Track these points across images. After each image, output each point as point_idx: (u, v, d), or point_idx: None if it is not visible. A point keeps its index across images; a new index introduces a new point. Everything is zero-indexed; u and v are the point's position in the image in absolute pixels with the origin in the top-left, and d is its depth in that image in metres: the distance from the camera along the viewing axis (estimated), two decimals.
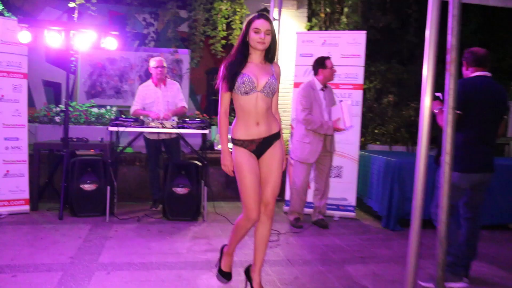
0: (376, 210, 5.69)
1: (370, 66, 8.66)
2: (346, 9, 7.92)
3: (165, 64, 5.66)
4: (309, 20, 8.44)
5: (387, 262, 4.13)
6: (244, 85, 3.01)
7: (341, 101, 5.26)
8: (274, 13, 6.79)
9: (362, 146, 8.12)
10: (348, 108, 5.03)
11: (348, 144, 5.74)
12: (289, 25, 8.24)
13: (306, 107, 5.07)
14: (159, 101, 5.62)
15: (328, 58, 5.20)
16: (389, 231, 5.27)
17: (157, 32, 8.86)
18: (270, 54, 3.10)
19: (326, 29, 8.19)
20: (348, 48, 5.80)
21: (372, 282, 3.63)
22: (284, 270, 3.83)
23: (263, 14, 3.09)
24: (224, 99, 3.13)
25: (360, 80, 5.78)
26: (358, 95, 5.78)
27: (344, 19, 7.87)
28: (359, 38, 5.79)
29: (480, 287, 3.63)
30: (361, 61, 5.77)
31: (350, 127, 5.19)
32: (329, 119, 5.15)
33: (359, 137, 5.85)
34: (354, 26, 7.73)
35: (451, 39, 2.73)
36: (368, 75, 8.60)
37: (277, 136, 3.19)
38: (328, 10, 8.25)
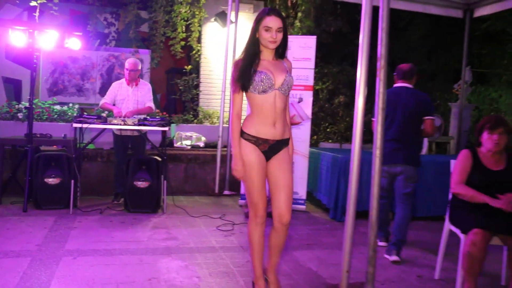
0: (325, 203, 6.14)
1: (323, 68, 9.15)
2: (299, 14, 8.38)
3: (139, 67, 5.99)
4: None
5: (331, 249, 4.56)
6: (262, 83, 2.89)
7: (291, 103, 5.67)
8: (232, 16, 7.17)
9: (315, 144, 8.60)
10: (298, 105, 5.45)
11: (299, 142, 6.16)
12: (246, 28, 8.62)
13: None
14: (129, 99, 5.92)
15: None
16: (336, 222, 5.71)
17: (118, 31, 9.08)
18: (280, 49, 3.00)
19: None
20: (300, 52, 6.22)
21: (316, 265, 4.05)
22: (237, 255, 4.21)
23: (274, 9, 2.96)
24: (236, 100, 3.01)
25: (311, 82, 6.22)
26: (309, 96, 6.21)
27: (298, 23, 8.33)
28: (309, 42, 6.23)
29: (411, 267, 4.11)
30: (312, 64, 6.20)
31: (308, 119, 5.55)
32: (305, 117, 5.52)
33: (309, 135, 6.29)
34: (307, 30, 8.20)
35: (381, 49, 3.18)
36: (321, 76, 9.10)
37: (287, 142, 3.09)
38: (283, 14, 8.66)
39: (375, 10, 3.15)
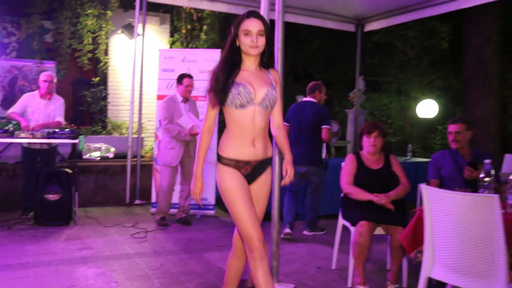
0: None
1: None
2: (205, 27, 8.72)
3: (55, 80, 6.05)
4: (172, 35, 9.10)
5: None
6: (240, 97, 2.56)
7: (188, 113, 5.89)
8: (139, 29, 7.35)
9: None
10: (192, 116, 5.73)
11: (208, 150, 6.46)
12: (153, 40, 8.82)
13: (166, 117, 5.73)
14: (40, 112, 5.90)
15: (186, 76, 5.85)
16: None
17: (19, 41, 8.87)
18: (265, 58, 2.68)
19: (188, 45, 8.90)
20: (205, 64, 6.56)
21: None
22: (152, 260, 4.44)
23: (254, 11, 2.65)
24: (210, 114, 2.70)
25: None
26: None
27: (203, 36, 8.66)
28: (214, 55, 6.58)
29: (311, 260, 4.56)
30: None
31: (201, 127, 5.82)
32: (201, 127, 5.80)
33: (215, 143, 6.62)
34: (212, 43, 8.56)
35: (277, 67, 3.57)
36: None
37: (270, 161, 2.78)
38: (189, 27, 8.96)
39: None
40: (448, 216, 2.58)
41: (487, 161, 3.16)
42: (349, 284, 3.83)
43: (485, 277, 2.49)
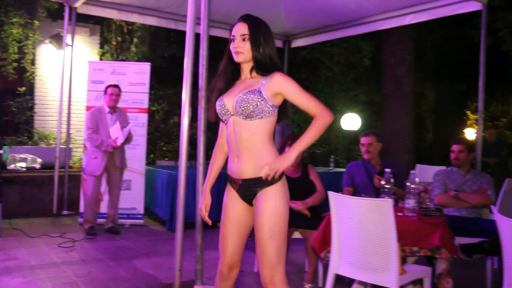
0: (162, 216, 6.65)
1: (158, 90, 9.70)
2: (135, 40, 8.85)
3: None
4: (102, 47, 9.14)
5: (167, 255, 5.08)
6: (220, 112, 2.45)
7: (117, 124, 5.97)
8: (68, 39, 7.36)
9: (152, 162, 9.07)
10: (115, 127, 5.82)
11: (135, 160, 6.61)
12: (82, 51, 8.83)
13: (90, 127, 5.83)
14: None
15: (111, 86, 5.95)
16: (172, 232, 6.21)
17: None
18: (256, 65, 2.41)
19: (118, 56, 8.98)
20: (135, 77, 6.70)
21: (153, 270, 4.55)
22: (79, 268, 4.52)
23: (246, 14, 2.46)
24: (220, 128, 2.61)
25: (145, 105, 6.72)
26: (144, 117, 6.70)
27: (133, 48, 8.78)
28: (144, 68, 6.74)
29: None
30: (146, 88, 6.71)
31: (122, 140, 5.84)
32: (123, 141, 5.84)
33: (145, 154, 6.77)
34: (142, 56, 8.70)
35: (201, 82, 3.84)
36: (156, 98, 9.63)
37: (266, 182, 2.35)
38: (119, 39, 9.05)
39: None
40: (351, 218, 2.92)
41: (387, 170, 3.55)
42: None
43: (382, 271, 2.84)
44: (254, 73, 2.44)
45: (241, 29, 2.39)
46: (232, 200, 2.51)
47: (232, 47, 2.41)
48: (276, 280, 2.35)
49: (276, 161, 2.29)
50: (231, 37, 2.42)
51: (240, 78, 2.49)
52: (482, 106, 6.04)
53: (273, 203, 2.35)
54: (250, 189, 2.41)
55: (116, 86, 6.00)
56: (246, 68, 2.45)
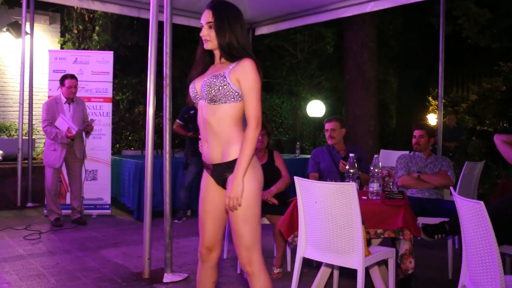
0: (129, 206, 6.62)
1: (122, 79, 9.57)
2: (97, 28, 8.69)
3: None
4: (63, 35, 8.95)
5: (135, 244, 5.08)
6: (193, 95, 2.50)
7: (62, 115, 5.86)
8: (26, 28, 7.19)
9: (118, 152, 8.98)
10: (66, 118, 5.72)
11: (101, 150, 6.54)
12: (42, 40, 8.62)
13: (46, 119, 5.72)
14: None
15: (69, 77, 5.80)
16: (140, 222, 6.16)
17: None
18: (223, 50, 2.40)
19: (79, 45, 8.82)
20: (98, 66, 6.60)
21: (122, 259, 4.54)
22: (47, 259, 4.48)
23: (211, 2, 2.46)
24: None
25: (110, 94, 6.64)
26: (108, 107, 6.63)
27: (95, 37, 8.63)
28: (107, 57, 6.65)
29: None
30: (110, 77, 6.63)
31: (78, 129, 5.78)
32: (76, 128, 5.75)
33: (110, 143, 6.70)
34: (105, 44, 8.56)
35: (166, 70, 3.83)
36: (121, 87, 9.50)
37: (231, 166, 2.36)
38: (80, 27, 8.88)
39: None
40: (316, 203, 2.99)
41: (351, 155, 3.63)
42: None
43: (347, 253, 2.92)
44: (223, 59, 2.44)
45: (207, 16, 2.39)
46: (207, 183, 2.52)
47: (200, 34, 2.43)
48: (253, 260, 2.43)
49: (230, 192, 2.31)
50: (201, 24, 2.44)
51: (214, 63, 2.51)
52: (441, 92, 6.22)
53: (248, 187, 2.34)
54: (221, 174, 2.42)
55: (74, 77, 5.88)
56: (217, 54, 2.47)
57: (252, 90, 2.34)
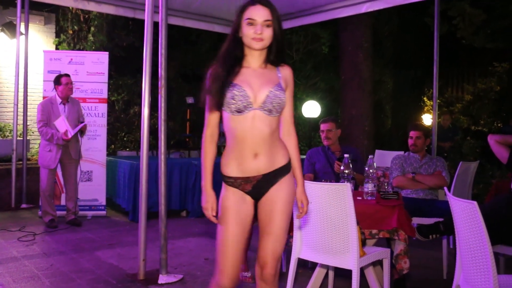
0: (124, 207, 6.61)
1: (118, 80, 9.56)
2: (92, 29, 8.68)
3: None
4: (58, 36, 8.92)
5: (130, 246, 5.06)
6: (234, 101, 2.20)
7: (62, 117, 5.84)
8: (21, 28, 7.17)
9: (113, 153, 8.96)
10: (64, 121, 5.70)
11: (96, 151, 6.53)
12: (37, 40, 8.59)
13: (41, 120, 5.70)
14: None
15: (64, 75, 5.82)
16: (135, 223, 6.18)
17: None
18: (273, 54, 2.28)
19: (74, 46, 8.80)
20: (93, 67, 6.59)
21: (117, 260, 4.53)
22: (41, 261, 4.46)
23: None
24: (210, 119, 2.34)
25: (105, 94, 6.63)
26: (104, 108, 6.62)
27: (91, 37, 8.61)
28: (102, 58, 6.64)
29: (200, 252, 4.85)
30: (105, 78, 6.62)
31: (73, 132, 5.73)
32: (72, 132, 5.74)
33: (105, 144, 6.69)
34: (100, 45, 8.55)
35: (161, 71, 3.82)
36: (116, 88, 9.49)
37: (284, 170, 2.32)
38: (75, 27, 8.85)
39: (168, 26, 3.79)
40: (312, 203, 2.98)
41: (346, 155, 3.63)
42: None
43: (342, 254, 2.93)
44: (267, 64, 2.30)
45: (265, 13, 2.20)
46: (238, 202, 2.30)
47: (254, 33, 2.19)
48: (278, 270, 2.39)
49: (304, 196, 2.39)
50: (247, 20, 2.20)
51: (244, 65, 2.29)
52: (436, 92, 6.24)
53: (291, 190, 2.35)
54: (268, 182, 2.30)
55: (68, 75, 5.88)
56: (256, 56, 2.28)
57: (292, 97, 2.38)
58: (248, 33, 2.20)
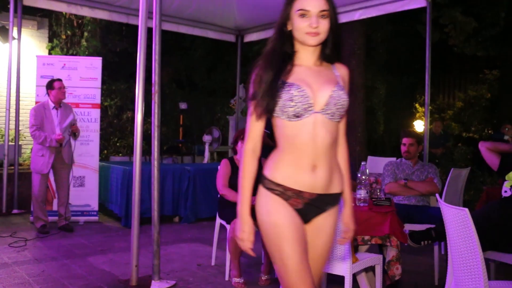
0: (117, 213, 6.59)
1: (111, 85, 9.56)
2: (86, 34, 8.68)
3: None
4: (51, 40, 8.91)
5: (123, 251, 5.04)
6: (292, 103, 1.86)
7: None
8: (14, 33, 7.14)
9: (105, 158, 8.94)
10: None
11: (89, 156, 6.51)
12: (30, 45, 8.58)
13: (34, 124, 5.68)
14: None
15: (56, 80, 5.82)
16: (128, 228, 6.14)
17: None
18: (328, 49, 1.96)
19: (68, 51, 8.79)
20: (86, 72, 6.58)
21: (109, 266, 4.52)
22: (32, 267, 4.44)
23: None
24: (254, 129, 1.98)
25: (98, 100, 6.62)
26: (97, 113, 6.61)
27: (84, 42, 8.61)
28: (95, 63, 6.63)
29: (193, 258, 4.85)
30: (98, 83, 6.61)
31: (63, 127, 5.74)
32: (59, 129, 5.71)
33: (98, 150, 6.68)
34: (93, 50, 8.54)
35: (154, 77, 3.83)
36: (109, 93, 9.48)
37: (336, 200, 2.00)
38: (69, 32, 8.85)
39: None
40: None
41: None
42: (227, 277, 4.16)
43: (334, 260, 2.94)
44: (318, 59, 1.98)
45: (319, 3, 1.87)
46: (293, 216, 1.91)
47: (309, 26, 1.87)
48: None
49: (351, 220, 2.12)
50: (298, 11, 1.89)
51: (295, 63, 1.96)
52: (428, 99, 6.28)
53: (336, 222, 2.04)
54: (319, 207, 1.96)
55: (60, 79, 5.88)
56: (310, 52, 1.96)
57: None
58: (301, 26, 1.88)
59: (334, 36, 1.93)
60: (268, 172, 1.95)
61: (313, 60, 1.97)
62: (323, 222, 1.97)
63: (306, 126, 1.87)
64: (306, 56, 1.96)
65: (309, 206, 1.93)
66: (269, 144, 6.38)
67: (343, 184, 2.02)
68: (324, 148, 1.90)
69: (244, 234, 1.96)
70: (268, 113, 1.92)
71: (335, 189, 1.96)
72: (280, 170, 1.92)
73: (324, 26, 1.88)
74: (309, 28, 1.86)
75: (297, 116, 1.87)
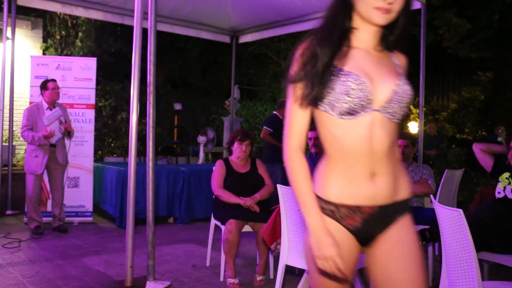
0: (111, 213, 6.57)
1: (105, 85, 9.54)
2: (80, 34, 8.66)
3: None
4: (45, 41, 8.88)
5: (117, 252, 5.03)
6: (347, 97, 1.51)
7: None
8: (8, 33, 7.12)
9: (100, 159, 8.92)
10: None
11: (83, 157, 6.49)
12: (24, 45, 8.55)
13: (25, 125, 5.67)
14: None
15: (51, 80, 5.80)
16: (122, 229, 6.16)
17: None
18: (393, 34, 1.61)
19: (62, 51, 8.76)
20: (81, 72, 6.57)
21: (104, 267, 4.51)
22: (26, 268, 4.42)
23: None
24: (298, 122, 1.60)
25: (92, 100, 6.61)
26: (91, 113, 6.59)
27: (78, 43, 8.59)
28: (90, 63, 6.62)
29: (188, 259, 4.84)
30: (93, 84, 6.60)
31: (49, 115, 5.70)
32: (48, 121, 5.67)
33: (92, 150, 6.66)
34: (88, 50, 8.53)
35: (149, 78, 3.83)
36: (103, 94, 9.47)
37: (405, 207, 1.66)
38: (63, 33, 8.83)
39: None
40: (299, 211, 3.01)
41: None
42: (221, 278, 4.16)
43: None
44: (378, 44, 1.63)
45: None
46: (344, 242, 1.59)
47: (382, 0, 1.49)
48: None
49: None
50: None
51: (351, 44, 1.59)
52: (422, 101, 6.32)
53: (415, 231, 1.67)
54: (385, 220, 1.61)
55: (55, 80, 5.86)
56: (372, 33, 1.60)
57: None
58: (376, 2, 1.49)
59: (404, 19, 1.57)
60: (319, 190, 1.61)
61: (373, 44, 1.62)
62: (397, 235, 1.62)
63: (362, 126, 1.53)
64: (366, 37, 1.60)
65: (371, 221, 1.59)
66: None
67: (409, 187, 1.69)
68: (383, 154, 1.56)
69: (328, 249, 1.51)
70: (314, 103, 1.55)
71: (401, 195, 1.64)
72: (330, 185, 1.59)
73: (398, 4, 1.51)
74: (381, 2, 1.49)
75: (351, 113, 1.52)
